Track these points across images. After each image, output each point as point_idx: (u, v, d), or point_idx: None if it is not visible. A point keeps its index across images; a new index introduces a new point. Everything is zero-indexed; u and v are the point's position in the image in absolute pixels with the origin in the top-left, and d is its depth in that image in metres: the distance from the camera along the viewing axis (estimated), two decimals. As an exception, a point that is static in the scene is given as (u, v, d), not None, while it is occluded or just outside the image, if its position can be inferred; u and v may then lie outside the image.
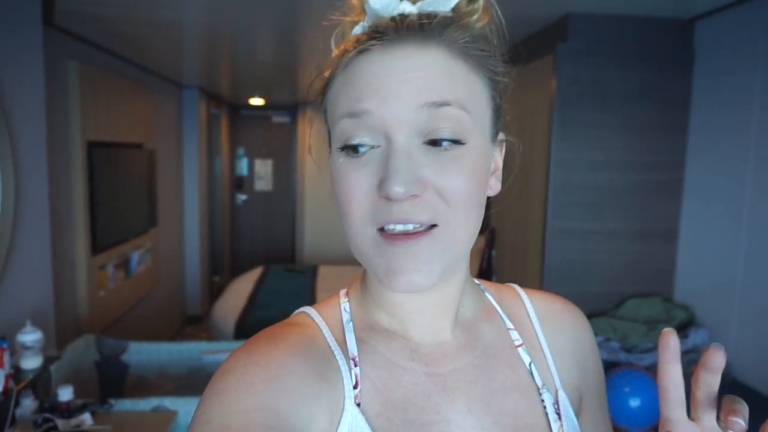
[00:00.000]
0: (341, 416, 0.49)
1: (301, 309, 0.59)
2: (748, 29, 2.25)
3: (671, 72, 2.58)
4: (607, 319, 2.52)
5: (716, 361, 0.40)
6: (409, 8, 0.50)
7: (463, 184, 0.48)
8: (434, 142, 0.47)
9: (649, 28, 2.54)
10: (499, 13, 0.54)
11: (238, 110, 6.79)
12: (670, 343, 0.42)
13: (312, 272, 4.96)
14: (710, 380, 0.41)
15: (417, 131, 0.47)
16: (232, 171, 6.77)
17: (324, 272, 4.99)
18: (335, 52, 0.54)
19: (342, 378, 0.51)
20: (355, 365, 0.53)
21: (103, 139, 3.17)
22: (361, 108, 0.47)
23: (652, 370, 2.21)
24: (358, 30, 0.52)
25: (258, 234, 6.92)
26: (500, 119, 0.56)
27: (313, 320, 0.56)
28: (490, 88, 0.53)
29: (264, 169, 6.89)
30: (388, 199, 0.46)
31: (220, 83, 5.16)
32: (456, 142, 0.48)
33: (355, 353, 0.53)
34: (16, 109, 2.00)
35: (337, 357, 0.52)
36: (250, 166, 6.90)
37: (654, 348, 2.35)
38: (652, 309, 2.56)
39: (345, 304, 0.58)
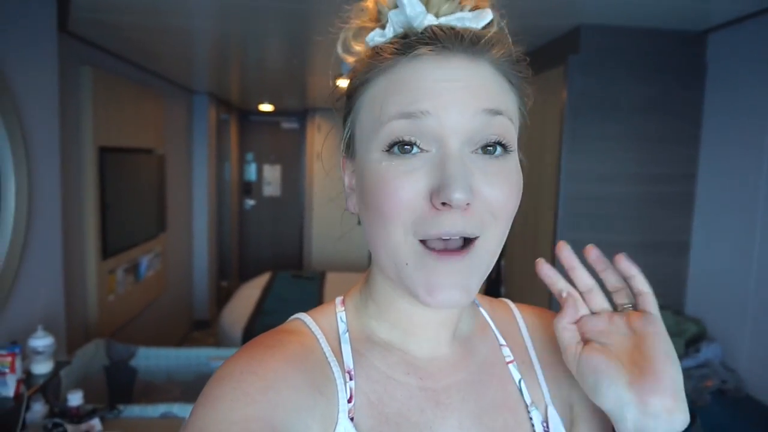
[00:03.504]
0: (334, 430, 0.49)
1: (296, 315, 0.58)
2: (762, 42, 2.24)
3: (683, 84, 2.56)
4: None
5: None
6: (434, 21, 0.50)
7: (508, 197, 0.49)
8: (486, 148, 0.48)
9: (661, 40, 2.53)
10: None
11: (247, 116, 6.83)
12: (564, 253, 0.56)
13: (319, 279, 4.96)
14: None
15: (469, 139, 0.47)
16: (240, 176, 6.80)
17: (331, 279, 4.99)
18: (365, 53, 0.52)
19: (337, 391, 0.51)
20: (351, 378, 0.52)
21: (115, 145, 3.19)
22: (420, 109, 0.46)
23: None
24: (378, 36, 0.51)
25: (266, 239, 6.94)
26: (521, 139, 0.57)
27: (309, 328, 0.55)
28: (522, 108, 0.54)
29: (272, 174, 6.91)
30: (442, 207, 0.45)
31: (229, 89, 5.19)
32: (506, 149, 0.49)
33: (351, 366, 0.53)
34: (30, 114, 2.02)
35: (333, 369, 0.52)
36: (259, 171, 6.93)
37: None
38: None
39: (341, 313, 0.57)
